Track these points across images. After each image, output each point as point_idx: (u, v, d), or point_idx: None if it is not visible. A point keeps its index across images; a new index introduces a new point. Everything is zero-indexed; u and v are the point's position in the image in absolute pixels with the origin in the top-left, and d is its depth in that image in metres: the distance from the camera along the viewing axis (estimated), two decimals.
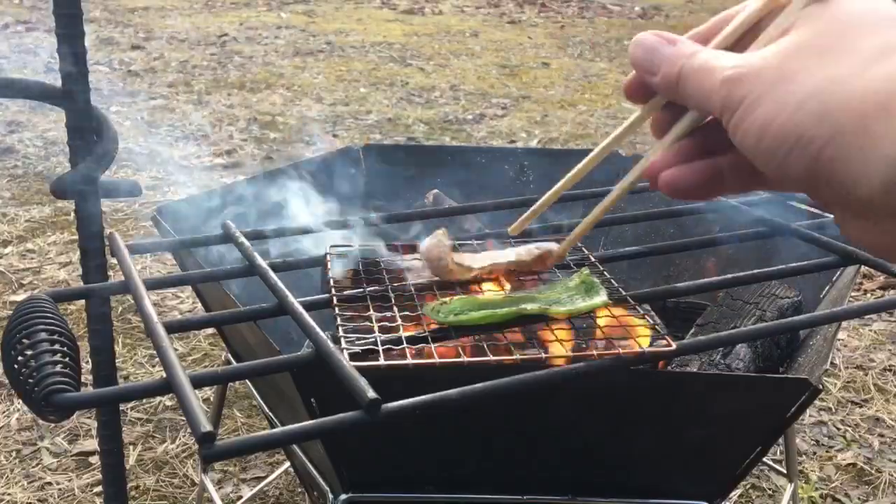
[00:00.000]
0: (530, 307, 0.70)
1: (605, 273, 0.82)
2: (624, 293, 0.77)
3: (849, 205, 0.41)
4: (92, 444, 2.02)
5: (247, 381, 1.59)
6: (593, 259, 0.85)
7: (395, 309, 0.73)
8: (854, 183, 0.39)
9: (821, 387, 1.08)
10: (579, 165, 0.60)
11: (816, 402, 2.19)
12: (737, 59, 0.44)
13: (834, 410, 2.25)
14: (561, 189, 0.64)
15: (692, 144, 0.50)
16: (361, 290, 0.76)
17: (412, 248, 0.87)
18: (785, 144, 0.41)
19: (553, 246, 0.79)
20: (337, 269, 0.82)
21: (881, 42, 0.40)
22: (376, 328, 0.69)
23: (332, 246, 0.87)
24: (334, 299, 0.74)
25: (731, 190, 0.49)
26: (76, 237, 1.11)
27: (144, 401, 2.22)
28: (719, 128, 0.47)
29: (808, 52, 0.42)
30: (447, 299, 0.72)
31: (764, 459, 1.43)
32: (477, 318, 0.69)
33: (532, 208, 0.67)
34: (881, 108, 0.38)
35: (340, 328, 0.69)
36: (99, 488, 1.86)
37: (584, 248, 0.89)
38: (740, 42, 0.48)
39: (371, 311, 0.72)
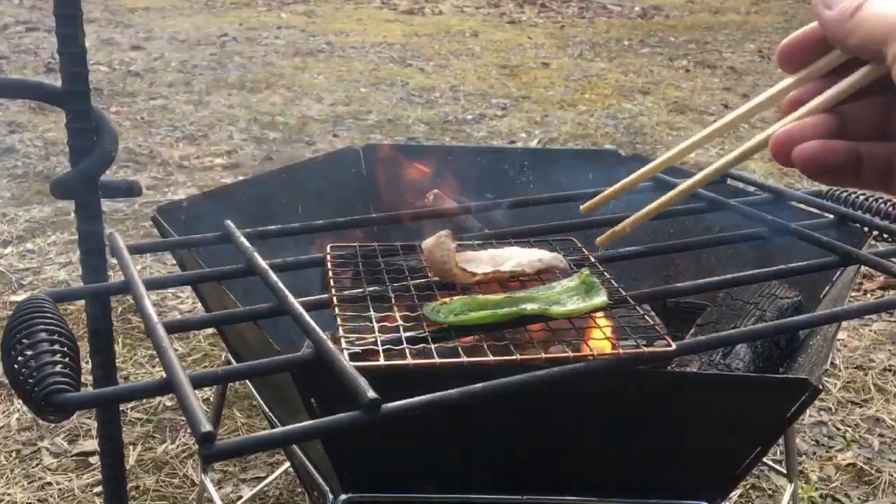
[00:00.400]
0: (530, 307, 0.70)
1: (605, 273, 0.82)
2: (624, 293, 0.77)
3: None
4: (92, 444, 2.02)
5: (247, 381, 1.59)
6: (593, 259, 0.85)
7: (395, 309, 0.73)
8: None
9: (821, 387, 1.08)
10: (683, 145, 0.54)
11: (816, 402, 2.19)
12: None
13: (834, 410, 2.25)
14: (655, 169, 0.57)
15: (830, 122, 0.44)
16: (361, 290, 0.77)
17: (412, 248, 0.87)
18: None
19: (557, 262, 0.79)
20: (337, 270, 0.82)
21: None
22: (376, 328, 0.69)
23: (331, 246, 0.87)
24: (334, 299, 0.74)
25: (863, 183, 0.44)
26: (76, 237, 1.11)
27: (144, 401, 2.22)
28: (863, 111, 0.44)
29: None
30: (447, 299, 0.72)
31: (764, 459, 1.43)
32: (477, 318, 0.69)
33: (617, 186, 0.58)
34: None
35: (340, 328, 0.69)
36: (99, 488, 1.86)
37: (583, 249, 0.89)
38: None
39: (371, 312, 0.72)
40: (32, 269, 2.89)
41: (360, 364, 0.59)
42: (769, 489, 1.94)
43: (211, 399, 1.85)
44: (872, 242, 1.21)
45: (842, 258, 0.91)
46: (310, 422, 0.54)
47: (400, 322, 0.70)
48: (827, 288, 1.42)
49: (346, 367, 0.57)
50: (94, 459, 1.99)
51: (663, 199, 0.56)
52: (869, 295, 2.78)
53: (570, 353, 0.67)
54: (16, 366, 0.58)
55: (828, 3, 0.43)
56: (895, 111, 0.44)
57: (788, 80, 0.47)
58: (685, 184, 0.55)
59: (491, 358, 0.66)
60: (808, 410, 2.05)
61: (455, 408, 0.57)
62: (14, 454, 2.03)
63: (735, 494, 1.90)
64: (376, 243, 0.89)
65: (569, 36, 7.04)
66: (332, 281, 0.78)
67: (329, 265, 0.82)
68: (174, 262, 2.08)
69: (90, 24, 6.53)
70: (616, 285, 0.79)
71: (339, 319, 0.70)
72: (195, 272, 1.09)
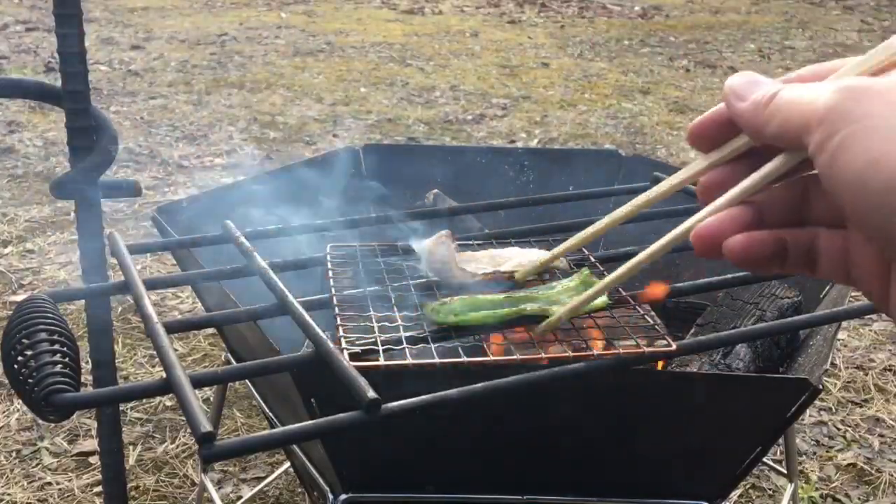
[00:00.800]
0: (530, 307, 0.70)
1: (605, 273, 0.82)
2: (624, 293, 0.77)
3: None
4: (92, 444, 2.02)
5: (247, 381, 1.59)
6: (593, 259, 0.85)
7: (396, 309, 0.73)
8: None
9: (821, 387, 1.08)
10: (623, 209, 0.60)
11: (816, 402, 2.19)
12: (846, 80, 0.38)
13: (834, 410, 2.25)
14: (597, 233, 0.65)
15: (749, 212, 0.44)
16: (361, 290, 0.76)
17: (412, 248, 0.87)
18: None
19: (558, 262, 0.79)
20: (337, 269, 0.82)
21: None
22: (376, 328, 0.69)
23: (331, 246, 0.87)
24: (334, 299, 0.74)
25: (789, 269, 0.44)
26: (76, 237, 1.11)
27: (144, 401, 2.22)
28: (779, 197, 0.43)
29: None
30: (447, 299, 0.72)
31: (764, 459, 1.43)
32: (477, 318, 0.69)
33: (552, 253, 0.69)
34: None
35: (340, 328, 0.69)
36: (99, 488, 1.86)
37: (583, 249, 0.89)
38: None
39: (371, 311, 0.72)
40: (32, 269, 2.89)
41: (360, 364, 0.59)
42: (769, 489, 1.94)
43: (211, 399, 1.85)
44: None
45: None
46: (310, 422, 0.54)
47: (400, 322, 0.70)
48: (827, 288, 1.42)
49: (346, 367, 0.57)
50: (94, 459, 1.99)
51: (588, 293, 0.67)
52: None
53: (571, 353, 0.67)
54: (16, 366, 0.58)
55: (740, 94, 0.43)
56: (810, 194, 0.44)
57: (701, 163, 0.48)
58: (605, 281, 0.66)
59: (491, 358, 0.66)
60: (808, 410, 2.05)
61: (455, 408, 0.57)
62: (14, 454, 2.03)
63: (735, 494, 1.90)
64: (376, 243, 0.89)
65: (569, 36, 7.04)
66: (331, 281, 0.78)
67: (329, 265, 0.82)
68: (174, 262, 2.08)
69: (90, 23, 6.53)
70: (618, 286, 0.79)
71: (339, 319, 0.70)
72: (195, 272, 1.09)
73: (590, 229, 0.64)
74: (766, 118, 0.41)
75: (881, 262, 0.39)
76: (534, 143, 4.34)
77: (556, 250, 0.73)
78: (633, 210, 0.57)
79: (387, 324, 0.70)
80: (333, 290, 0.76)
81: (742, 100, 0.42)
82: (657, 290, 0.79)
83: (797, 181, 0.44)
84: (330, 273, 0.80)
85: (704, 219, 0.45)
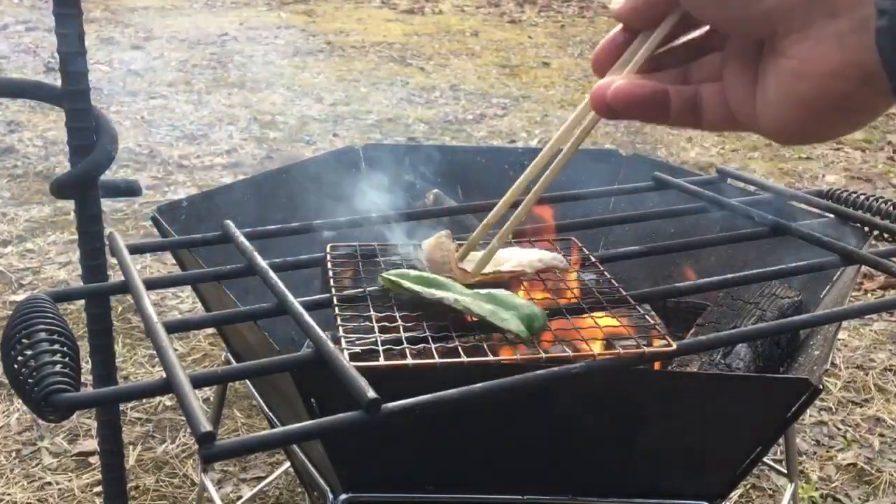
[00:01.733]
0: (438, 294, 0.71)
1: (605, 273, 0.82)
2: (624, 293, 0.77)
3: (778, 19, 0.41)
4: (92, 444, 2.02)
5: (247, 381, 1.59)
6: (594, 259, 0.85)
7: (395, 309, 0.73)
8: (802, 41, 0.39)
9: (821, 387, 1.08)
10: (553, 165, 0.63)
11: (817, 402, 2.19)
12: None
13: (834, 410, 2.25)
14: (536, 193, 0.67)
15: (641, 75, 0.50)
16: (361, 290, 0.77)
17: (412, 248, 0.87)
18: None
19: (558, 262, 0.79)
20: (336, 270, 0.82)
21: None
22: (376, 328, 0.69)
23: (331, 245, 0.87)
24: (334, 299, 0.74)
25: (674, 121, 0.49)
26: (76, 237, 1.11)
27: (144, 401, 2.22)
28: (669, 66, 0.50)
29: None
30: (409, 271, 0.75)
31: (764, 459, 1.43)
32: (395, 281, 0.72)
33: (484, 221, 0.71)
34: None
35: (340, 328, 0.69)
36: (99, 488, 1.86)
37: (584, 249, 0.89)
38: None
39: (371, 311, 0.72)
40: (32, 269, 2.89)
41: (361, 364, 0.59)
42: (769, 489, 1.94)
43: (211, 399, 1.85)
44: (873, 242, 1.21)
45: (842, 258, 0.91)
46: (310, 422, 0.54)
47: (400, 322, 0.70)
48: (827, 288, 1.42)
49: (346, 367, 0.57)
50: (94, 459, 1.99)
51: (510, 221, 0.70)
52: (869, 295, 2.78)
53: (571, 353, 0.67)
54: (16, 366, 0.58)
55: None
56: (692, 66, 0.50)
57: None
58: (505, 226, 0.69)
59: (491, 358, 0.66)
60: (808, 410, 2.05)
61: (455, 408, 0.57)
62: (14, 454, 2.03)
63: (735, 494, 1.90)
64: (376, 243, 0.89)
65: (569, 35, 7.04)
66: (331, 280, 0.78)
67: (329, 265, 0.82)
68: (174, 262, 2.08)
69: (90, 23, 6.53)
70: (617, 285, 0.79)
71: (339, 319, 0.70)
72: (195, 272, 1.09)
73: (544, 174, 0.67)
74: None
75: (750, 85, 0.45)
76: (534, 143, 4.34)
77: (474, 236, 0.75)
78: (580, 139, 0.61)
79: (387, 324, 0.70)
80: (333, 290, 0.76)
81: None
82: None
83: (683, 57, 0.51)
84: (330, 273, 0.80)
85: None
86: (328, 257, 0.84)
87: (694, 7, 0.45)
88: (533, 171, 0.65)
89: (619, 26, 0.52)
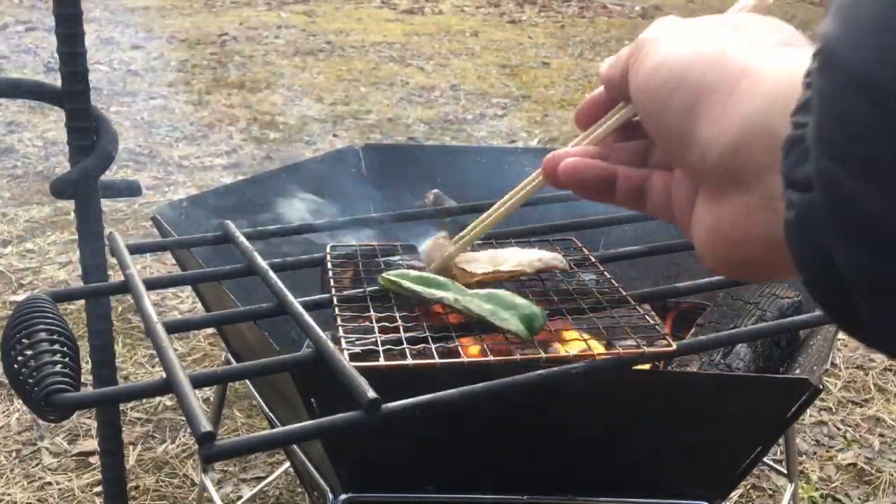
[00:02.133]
0: (448, 298, 0.71)
1: (605, 273, 0.82)
2: (624, 293, 0.77)
3: (701, 173, 0.41)
4: (92, 444, 2.02)
5: (247, 381, 1.59)
6: (593, 259, 0.85)
7: (395, 309, 0.73)
8: (711, 140, 0.39)
9: (821, 387, 1.08)
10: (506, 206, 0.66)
11: (817, 402, 2.19)
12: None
13: (834, 410, 2.25)
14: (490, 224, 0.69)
15: (596, 151, 0.53)
16: (361, 290, 0.77)
17: (412, 248, 0.87)
18: (672, 81, 0.41)
19: (558, 262, 0.79)
20: (336, 270, 0.82)
21: (783, 38, 0.42)
22: (376, 328, 0.69)
23: (331, 246, 0.87)
24: (334, 299, 0.74)
25: (619, 201, 0.50)
26: (76, 237, 1.11)
27: (144, 401, 2.22)
28: (626, 148, 0.52)
29: (724, 25, 0.43)
30: (408, 271, 0.75)
31: (764, 459, 1.43)
32: (395, 281, 0.72)
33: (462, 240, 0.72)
34: (760, 69, 0.38)
35: (340, 328, 0.69)
36: (99, 488, 1.86)
37: (584, 249, 0.89)
38: None
39: (371, 312, 0.72)
40: (32, 269, 2.89)
41: (360, 364, 0.59)
42: (769, 489, 1.94)
43: (211, 399, 1.85)
44: None
45: None
46: (310, 422, 0.54)
47: (400, 322, 0.70)
48: None
49: (346, 367, 0.57)
50: (94, 459, 1.99)
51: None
52: None
53: (571, 353, 0.67)
54: (16, 366, 0.58)
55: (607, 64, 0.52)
56: (650, 150, 0.51)
57: (582, 137, 0.56)
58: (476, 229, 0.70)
59: (491, 357, 0.66)
60: (808, 410, 2.05)
61: (455, 408, 0.57)
62: (14, 454, 2.03)
63: (735, 494, 1.90)
64: (376, 243, 0.89)
65: (569, 35, 7.04)
66: (331, 281, 0.78)
67: (329, 265, 0.82)
68: (174, 262, 2.08)
69: (90, 23, 6.52)
70: (616, 285, 0.79)
71: (339, 320, 0.70)
72: (195, 272, 1.09)
73: (487, 217, 0.69)
74: (610, 66, 0.50)
75: (692, 194, 0.45)
76: (534, 143, 4.34)
77: (462, 243, 0.75)
78: (526, 196, 0.64)
79: (387, 324, 0.70)
80: (333, 291, 0.76)
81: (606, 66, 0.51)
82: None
83: (642, 144, 0.52)
84: (330, 273, 0.80)
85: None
86: (328, 258, 0.84)
87: (643, 120, 0.46)
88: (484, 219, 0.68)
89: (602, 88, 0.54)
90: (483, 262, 0.78)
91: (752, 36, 0.42)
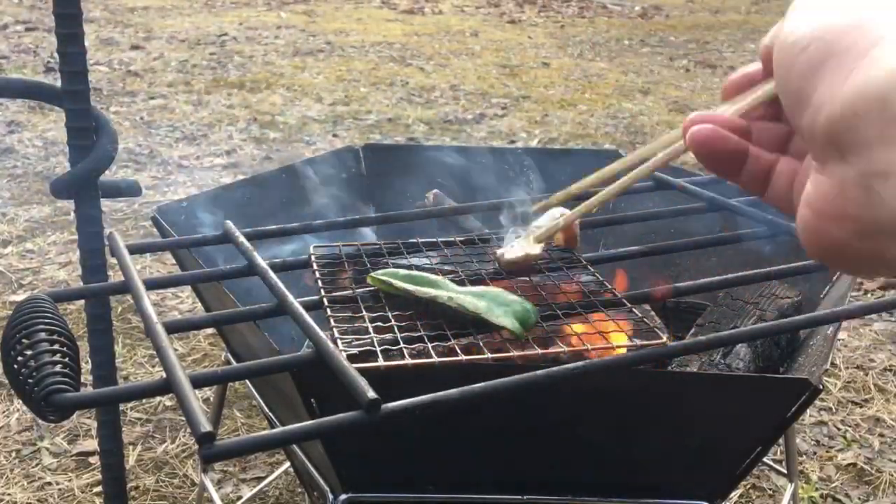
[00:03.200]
0: (433, 293, 0.71)
1: (596, 274, 0.82)
2: (619, 294, 0.77)
3: (810, 139, 0.38)
4: (92, 444, 2.02)
5: (247, 381, 1.59)
6: (584, 261, 0.84)
7: (387, 308, 0.73)
8: (821, 104, 0.37)
9: (821, 387, 1.08)
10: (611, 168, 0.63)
11: (816, 402, 2.19)
12: None
13: (834, 410, 2.25)
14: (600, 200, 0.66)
15: (740, 123, 0.48)
16: (351, 290, 0.76)
17: (395, 247, 0.87)
18: (807, 38, 0.39)
19: (535, 250, 0.79)
20: (323, 270, 0.82)
21: None
22: (371, 329, 0.69)
23: (314, 246, 0.86)
24: (325, 301, 0.74)
25: (743, 182, 0.47)
26: (76, 237, 1.11)
27: (144, 401, 2.22)
28: (770, 128, 0.48)
29: None
30: (398, 270, 0.75)
31: (764, 459, 1.43)
32: (383, 280, 0.72)
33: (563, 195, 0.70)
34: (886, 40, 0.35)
35: (335, 329, 0.69)
36: (99, 488, 1.86)
37: (573, 251, 0.88)
38: None
39: (364, 312, 0.72)
40: (32, 269, 2.89)
41: (359, 365, 0.59)
42: (769, 489, 1.94)
43: (211, 399, 1.85)
44: None
45: None
46: (310, 422, 0.54)
47: (393, 322, 0.70)
48: (827, 288, 1.42)
49: (346, 367, 0.57)
50: (94, 459, 1.99)
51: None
52: (869, 295, 2.78)
53: (566, 349, 0.67)
54: (15, 366, 0.58)
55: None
56: (794, 136, 0.48)
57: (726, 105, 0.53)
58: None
59: (489, 355, 0.66)
60: (808, 410, 2.05)
61: (455, 408, 0.57)
62: (14, 454, 2.03)
63: (735, 494, 1.90)
64: (359, 243, 0.89)
65: (569, 35, 7.04)
66: (319, 282, 0.78)
67: (314, 266, 0.82)
68: (174, 262, 2.08)
69: (90, 23, 6.53)
70: (609, 286, 0.79)
71: (332, 321, 0.70)
72: (195, 272, 1.09)
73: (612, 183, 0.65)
74: (769, 37, 0.45)
75: None
76: (534, 143, 4.34)
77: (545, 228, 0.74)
78: (660, 162, 0.60)
79: (380, 324, 0.70)
80: (323, 292, 0.76)
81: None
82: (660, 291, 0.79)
83: (785, 125, 0.48)
84: (317, 274, 0.80)
85: (629, 176, 0.52)
86: (312, 258, 0.84)
87: (776, 83, 0.43)
88: (613, 170, 0.64)
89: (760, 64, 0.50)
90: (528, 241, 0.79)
91: None
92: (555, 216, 0.76)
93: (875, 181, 0.31)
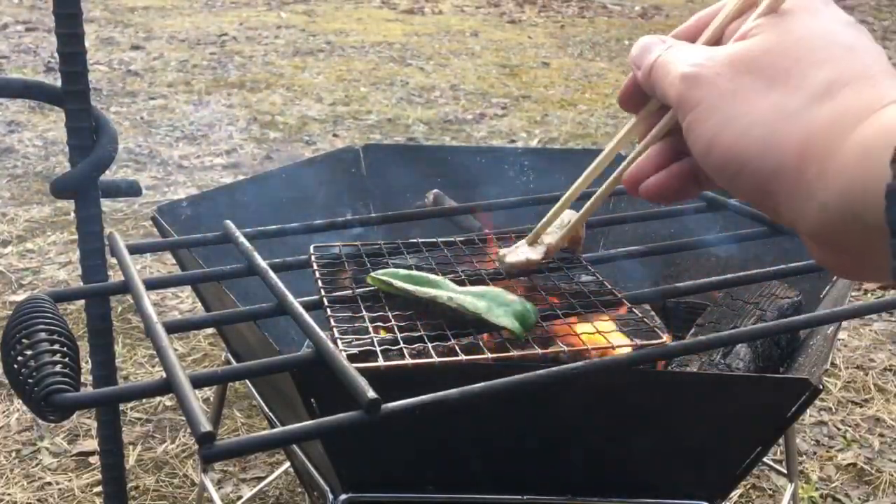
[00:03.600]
0: (433, 292, 0.71)
1: (596, 274, 0.82)
2: (619, 295, 0.77)
3: (799, 230, 0.42)
4: (92, 444, 2.02)
5: (247, 381, 1.59)
6: (584, 262, 0.84)
7: (387, 308, 0.73)
8: (795, 220, 0.40)
9: (821, 387, 1.08)
10: (582, 176, 0.66)
11: (816, 402, 2.19)
12: (698, 57, 0.45)
13: (834, 410, 2.25)
14: (569, 199, 0.69)
15: (666, 148, 0.51)
16: (350, 290, 0.76)
17: (396, 247, 0.86)
18: (731, 167, 0.42)
19: (537, 255, 0.79)
20: (323, 270, 0.81)
21: (831, 75, 0.40)
22: (370, 329, 0.69)
23: (314, 246, 0.86)
24: (324, 300, 0.74)
25: (707, 187, 0.50)
26: (76, 237, 1.11)
27: (144, 401, 2.22)
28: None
29: (760, 71, 0.42)
30: (398, 270, 0.75)
31: (764, 459, 1.43)
32: (383, 280, 0.72)
33: (541, 223, 0.73)
34: (818, 151, 0.38)
35: (335, 329, 0.69)
36: (99, 488, 1.86)
37: (573, 252, 0.88)
38: (720, 42, 0.49)
39: (364, 312, 0.72)
40: (32, 269, 2.89)
41: (359, 366, 0.59)
42: (769, 489, 1.94)
43: (211, 399, 1.85)
44: None
45: None
46: (310, 422, 0.54)
47: (393, 322, 0.70)
48: (827, 288, 1.42)
49: (347, 367, 0.57)
50: (94, 459, 1.99)
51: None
52: (869, 295, 2.78)
53: (566, 349, 0.67)
54: (15, 366, 0.58)
55: (637, 63, 0.50)
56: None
57: (633, 121, 0.56)
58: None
59: (489, 355, 0.66)
60: (808, 410, 2.05)
61: (455, 408, 0.57)
62: (14, 454, 2.03)
63: (735, 494, 1.90)
64: (359, 242, 0.88)
65: (569, 35, 7.04)
66: (319, 282, 0.78)
67: (314, 266, 0.82)
68: (174, 262, 2.08)
69: (90, 23, 6.53)
70: (609, 287, 0.79)
71: (332, 321, 0.70)
72: (195, 272, 1.09)
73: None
74: (650, 86, 0.49)
75: None
76: (534, 143, 4.34)
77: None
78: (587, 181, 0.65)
79: (380, 324, 0.70)
80: (322, 292, 0.75)
81: (638, 68, 0.50)
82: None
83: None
84: (317, 274, 0.80)
85: (629, 165, 0.53)
86: (312, 258, 0.84)
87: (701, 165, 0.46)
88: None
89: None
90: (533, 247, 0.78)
91: (791, 82, 0.41)
92: (564, 221, 0.76)
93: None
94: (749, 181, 0.41)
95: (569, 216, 0.76)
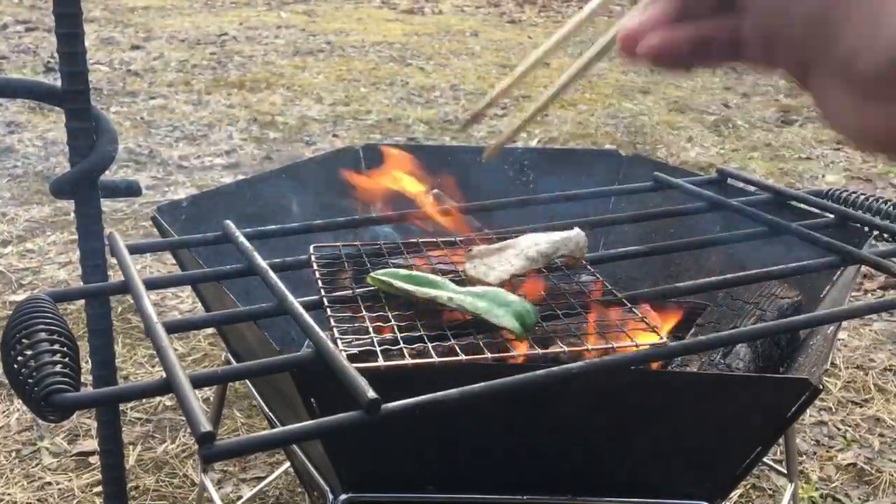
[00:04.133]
0: (434, 293, 0.71)
1: (596, 274, 0.82)
2: (619, 295, 0.77)
3: (846, 76, 0.35)
4: (92, 444, 2.02)
5: (247, 381, 1.59)
6: (585, 262, 0.84)
7: (387, 308, 0.73)
8: (860, 51, 0.34)
9: (821, 387, 1.08)
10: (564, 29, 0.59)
11: (816, 402, 2.19)
12: None
13: (834, 410, 2.25)
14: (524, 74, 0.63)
15: (672, 9, 0.43)
16: (350, 290, 0.76)
17: (396, 247, 0.87)
18: None
19: (495, 280, 0.79)
20: (323, 270, 0.82)
21: None
22: (371, 329, 0.69)
23: (314, 247, 0.86)
24: (324, 300, 0.74)
25: (716, 61, 0.43)
26: (76, 237, 1.11)
27: (144, 401, 2.22)
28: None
29: None
30: (398, 270, 0.75)
31: (764, 459, 1.43)
32: (384, 280, 0.72)
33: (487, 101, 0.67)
34: None
35: (336, 329, 0.69)
36: (99, 488, 1.86)
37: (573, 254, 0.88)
38: None
39: (364, 312, 0.72)
40: (32, 269, 2.89)
41: (360, 366, 0.59)
42: (769, 489, 1.94)
43: (211, 399, 1.85)
44: (873, 242, 1.21)
45: (842, 258, 0.91)
46: (310, 422, 0.54)
47: (394, 322, 0.70)
48: (827, 288, 1.42)
49: (347, 367, 0.57)
50: (94, 459, 1.99)
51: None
52: (869, 295, 2.78)
53: (566, 349, 0.67)
54: (16, 366, 0.58)
55: None
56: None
57: None
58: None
59: (489, 355, 0.66)
60: (808, 410, 2.05)
61: (455, 408, 0.57)
62: (14, 454, 2.03)
63: (735, 494, 1.90)
64: (359, 242, 0.89)
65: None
66: (319, 282, 0.78)
67: (314, 266, 0.82)
68: (174, 262, 2.08)
69: (90, 23, 6.53)
70: (609, 287, 0.79)
71: (332, 321, 0.70)
72: (195, 272, 1.09)
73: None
74: None
75: None
76: (534, 143, 4.34)
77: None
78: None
79: (381, 324, 0.70)
80: (323, 292, 0.76)
81: None
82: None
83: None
84: (317, 274, 0.80)
85: (630, 21, 0.44)
86: (312, 259, 0.84)
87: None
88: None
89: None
90: (495, 272, 0.78)
91: None
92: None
93: None
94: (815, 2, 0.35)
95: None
